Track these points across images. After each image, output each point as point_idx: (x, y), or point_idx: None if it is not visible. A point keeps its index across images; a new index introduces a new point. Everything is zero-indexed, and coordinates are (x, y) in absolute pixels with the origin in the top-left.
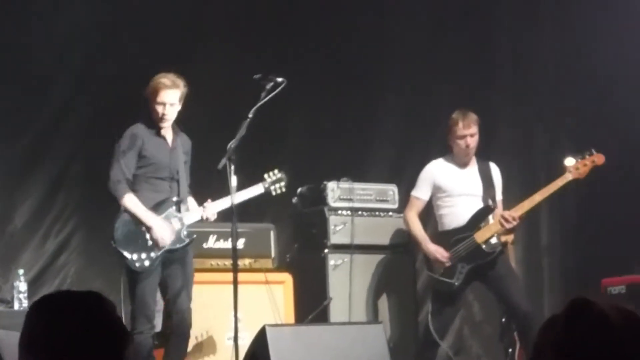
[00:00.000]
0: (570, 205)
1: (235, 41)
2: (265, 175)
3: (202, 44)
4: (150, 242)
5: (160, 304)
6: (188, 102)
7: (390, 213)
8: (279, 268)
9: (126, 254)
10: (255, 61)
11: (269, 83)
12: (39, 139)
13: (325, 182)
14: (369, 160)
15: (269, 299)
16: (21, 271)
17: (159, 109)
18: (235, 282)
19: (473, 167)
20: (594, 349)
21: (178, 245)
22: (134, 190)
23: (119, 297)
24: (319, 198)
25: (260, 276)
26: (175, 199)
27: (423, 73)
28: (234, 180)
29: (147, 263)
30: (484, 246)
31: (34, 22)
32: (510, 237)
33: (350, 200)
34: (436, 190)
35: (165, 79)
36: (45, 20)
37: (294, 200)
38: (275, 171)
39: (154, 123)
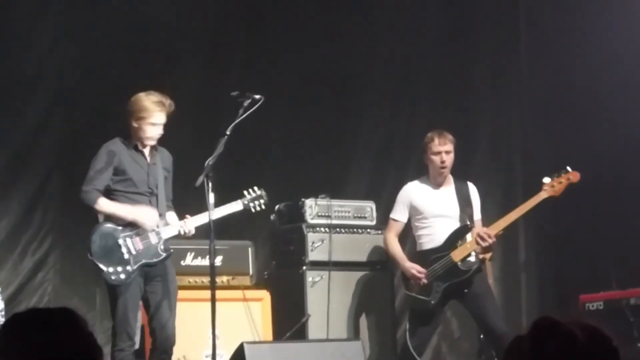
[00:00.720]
0: (547, 221)
1: (213, 57)
2: (245, 192)
3: (180, 61)
4: (126, 256)
5: (139, 321)
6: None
7: (369, 230)
8: (257, 285)
9: (102, 266)
10: (233, 78)
11: (247, 100)
12: (15, 157)
13: (303, 199)
14: (347, 178)
15: (247, 316)
16: None
17: (149, 129)
18: (213, 300)
19: (450, 187)
20: None
21: (155, 260)
22: None
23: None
24: (297, 215)
25: (238, 293)
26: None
27: (402, 91)
28: (211, 197)
29: (122, 276)
30: (459, 264)
31: (9, 40)
32: (488, 254)
33: (328, 217)
34: (413, 211)
35: (157, 99)
36: (21, 37)
37: (272, 217)
38: (255, 188)
39: (134, 139)
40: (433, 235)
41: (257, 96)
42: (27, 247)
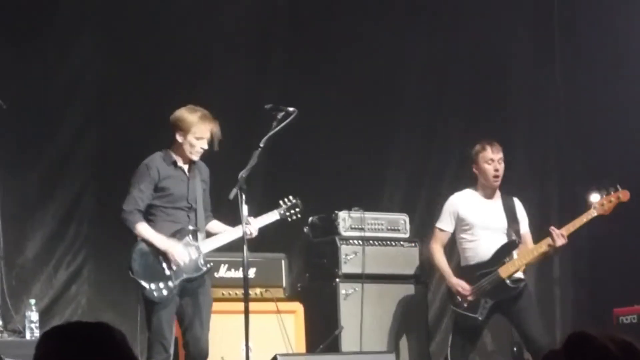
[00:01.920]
0: (581, 235)
1: (247, 70)
2: (281, 202)
3: (213, 74)
4: (167, 272)
5: (174, 333)
6: None
7: (402, 242)
8: (290, 297)
9: (144, 283)
10: (267, 90)
11: (280, 113)
12: (50, 170)
13: (336, 212)
14: (381, 190)
15: (280, 328)
16: (33, 301)
17: (198, 143)
18: (246, 312)
19: (497, 201)
20: None
21: (195, 274)
22: (151, 220)
23: (132, 327)
24: (331, 227)
25: (271, 305)
26: (191, 227)
27: (437, 103)
28: (245, 210)
29: (165, 292)
30: (508, 281)
31: (47, 52)
32: (522, 267)
33: (361, 229)
34: (459, 222)
35: (202, 113)
36: (58, 49)
37: (305, 229)
38: (290, 197)
39: (176, 154)
40: (479, 248)
41: (291, 109)
42: (61, 259)
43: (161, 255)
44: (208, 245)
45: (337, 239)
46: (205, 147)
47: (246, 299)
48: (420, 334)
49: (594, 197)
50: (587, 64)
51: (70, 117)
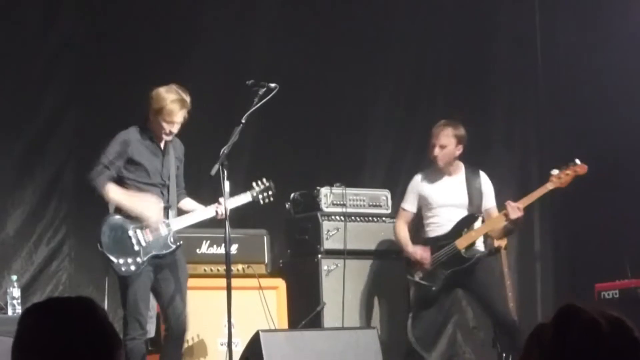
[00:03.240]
0: (562, 211)
1: (227, 46)
2: (254, 184)
3: (194, 49)
4: (136, 247)
5: (153, 310)
6: None
7: (384, 218)
8: (272, 273)
9: (112, 258)
10: (247, 66)
11: (262, 89)
12: (30, 146)
13: (318, 188)
14: (363, 166)
15: (262, 304)
16: (14, 277)
17: (167, 126)
18: (228, 288)
19: (459, 176)
20: (585, 357)
21: (164, 251)
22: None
23: (114, 303)
24: (312, 203)
25: (253, 282)
26: (163, 205)
27: (419, 79)
28: (227, 186)
29: (132, 268)
30: (463, 252)
31: (25, 29)
32: (503, 243)
33: (343, 205)
34: (422, 200)
35: (177, 97)
36: (37, 27)
37: (287, 205)
38: (264, 180)
39: (149, 131)
40: (440, 224)
41: (272, 85)
42: (42, 235)
43: (131, 230)
44: (179, 223)
45: (319, 215)
46: (174, 131)
47: (228, 275)
48: (401, 309)
49: (554, 171)
50: (569, 35)
51: (49, 95)
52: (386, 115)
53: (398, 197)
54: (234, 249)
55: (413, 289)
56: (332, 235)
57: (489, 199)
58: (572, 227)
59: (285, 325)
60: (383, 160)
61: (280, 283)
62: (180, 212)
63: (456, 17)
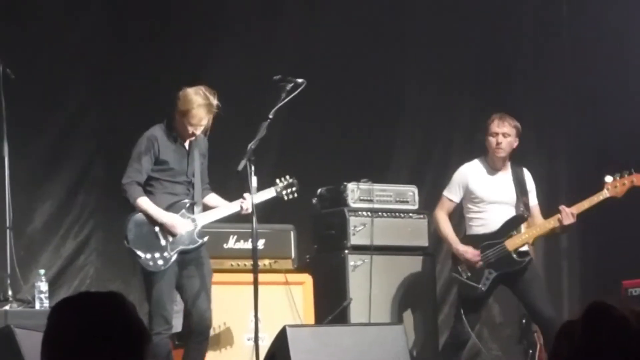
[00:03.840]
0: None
1: (255, 41)
2: (277, 180)
3: (222, 44)
4: (163, 242)
5: (180, 304)
6: None
7: (410, 214)
8: (298, 269)
9: (140, 253)
10: (275, 62)
11: (289, 84)
12: (58, 140)
13: (345, 183)
14: (390, 162)
15: (289, 299)
16: (42, 271)
17: (192, 129)
18: (255, 283)
19: (507, 173)
20: (614, 353)
21: (191, 246)
22: (150, 192)
23: (140, 297)
24: (339, 199)
25: (280, 277)
26: (187, 200)
27: (446, 76)
28: (254, 181)
29: (160, 262)
30: (514, 255)
31: (53, 24)
32: (529, 240)
33: (370, 201)
34: (468, 194)
35: (204, 101)
36: (65, 20)
37: (314, 201)
38: (287, 176)
39: (175, 130)
40: (486, 220)
41: (300, 80)
42: (69, 229)
43: (157, 225)
44: (204, 219)
45: (345, 210)
46: (198, 133)
47: (255, 270)
48: (428, 306)
49: (608, 179)
50: (597, 36)
51: (77, 88)
52: (413, 112)
53: (424, 193)
54: (260, 244)
55: (458, 286)
56: (359, 231)
57: (533, 197)
58: (599, 223)
59: (312, 321)
60: (410, 156)
61: (307, 278)
62: (205, 208)
63: (483, 10)
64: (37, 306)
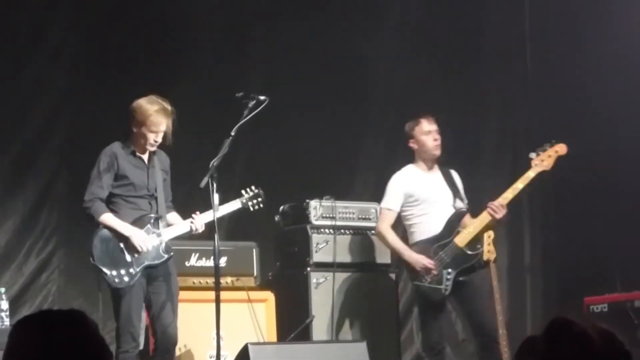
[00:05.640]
0: (552, 224)
1: (218, 58)
2: (243, 191)
3: (185, 61)
4: (129, 258)
5: (144, 321)
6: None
7: (373, 231)
8: (261, 286)
9: (105, 270)
10: (237, 77)
11: (252, 101)
12: (21, 158)
13: (307, 201)
14: (352, 179)
15: (251, 317)
16: (2, 289)
17: (151, 136)
18: (217, 300)
19: (437, 173)
20: None
21: (157, 261)
22: (113, 209)
23: (103, 316)
24: (302, 216)
25: (242, 294)
26: (153, 215)
27: (407, 92)
28: (216, 198)
29: (126, 279)
30: (467, 250)
31: (16, 39)
32: (492, 256)
33: (332, 218)
34: (408, 199)
35: (159, 106)
36: (28, 36)
37: (277, 218)
38: (253, 187)
39: (133, 144)
40: (429, 222)
41: (262, 97)
42: (32, 247)
43: (122, 241)
44: (169, 233)
45: (308, 227)
46: (159, 140)
47: (217, 288)
48: (390, 323)
49: (532, 155)
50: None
51: (41, 104)
52: (376, 129)
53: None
54: (223, 261)
55: (420, 294)
56: (321, 248)
57: (463, 194)
58: (562, 240)
59: (274, 338)
60: (373, 173)
61: (270, 296)
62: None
63: (446, 20)
64: None
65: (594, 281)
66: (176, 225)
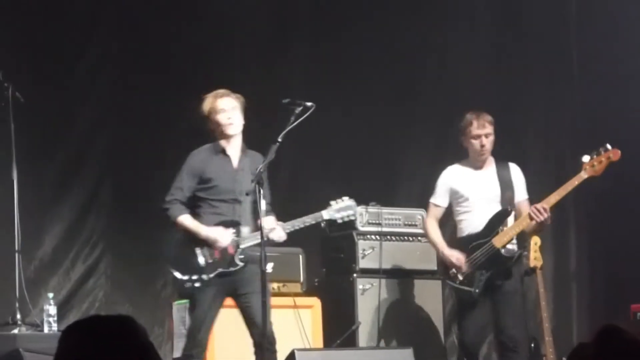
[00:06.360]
0: (599, 230)
1: (264, 64)
2: (332, 202)
3: (232, 68)
4: (203, 263)
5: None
6: None
7: (419, 237)
8: (307, 292)
9: (177, 274)
10: (285, 84)
11: (298, 107)
12: (67, 165)
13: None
14: (398, 185)
15: (298, 323)
16: (51, 295)
17: (222, 117)
18: (264, 306)
19: (491, 170)
20: None
21: (232, 269)
22: (196, 213)
23: (149, 321)
24: (348, 222)
25: (288, 300)
26: (234, 220)
27: (454, 98)
28: (263, 204)
29: (197, 284)
30: (502, 251)
31: (63, 46)
32: (539, 263)
33: (378, 224)
34: (453, 195)
35: (220, 90)
36: (74, 43)
37: (323, 224)
38: (345, 198)
39: (218, 139)
40: (473, 219)
41: (309, 103)
42: (79, 253)
43: (198, 246)
44: (247, 241)
45: (354, 234)
46: (233, 118)
47: (264, 294)
48: (437, 329)
49: (585, 158)
50: (604, 29)
51: (87, 111)
52: (422, 135)
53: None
54: (269, 267)
55: (454, 294)
56: (367, 255)
57: (520, 192)
58: (608, 246)
59: (320, 345)
60: (419, 179)
61: (316, 302)
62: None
63: (488, 25)
64: (46, 330)
65: None
66: (256, 233)
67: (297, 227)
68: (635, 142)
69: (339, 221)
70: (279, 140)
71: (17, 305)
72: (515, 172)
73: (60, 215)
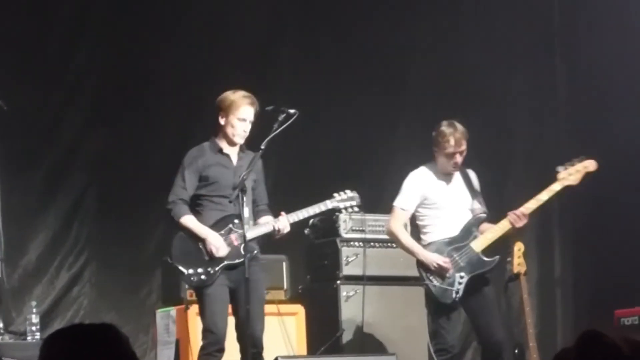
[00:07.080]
0: (583, 237)
1: (249, 70)
2: (335, 194)
3: (215, 74)
4: (207, 257)
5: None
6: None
7: None
8: (291, 299)
9: (182, 269)
10: (269, 90)
11: (281, 114)
12: (52, 172)
13: (337, 214)
14: (382, 192)
15: (281, 330)
16: (34, 303)
17: (239, 125)
18: (247, 314)
19: (457, 176)
20: None
21: (237, 260)
22: (198, 211)
23: (134, 329)
24: (331, 229)
25: (272, 307)
26: (236, 214)
27: (438, 105)
28: (246, 212)
29: (203, 277)
30: (482, 255)
31: (47, 54)
32: (523, 269)
33: (362, 231)
34: (423, 200)
35: (245, 94)
36: (59, 50)
37: (306, 231)
38: (347, 191)
39: (221, 138)
40: (445, 224)
41: (292, 110)
42: (63, 261)
43: (201, 242)
44: (252, 232)
45: (338, 240)
46: (247, 130)
47: (247, 301)
48: (421, 335)
49: (559, 168)
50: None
51: (71, 119)
52: (406, 141)
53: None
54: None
55: (431, 297)
56: (351, 261)
57: (481, 196)
58: (592, 252)
59: (305, 352)
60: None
61: (300, 309)
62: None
63: (476, 34)
64: (29, 338)
65: (624, 294)
66: (259, 225)
67: (301, 218)
68: (619, 149)
69: (343, 210)
70: (262, 147)
71: (0, 314)
72: (475, 179)
73: (45, 223)
